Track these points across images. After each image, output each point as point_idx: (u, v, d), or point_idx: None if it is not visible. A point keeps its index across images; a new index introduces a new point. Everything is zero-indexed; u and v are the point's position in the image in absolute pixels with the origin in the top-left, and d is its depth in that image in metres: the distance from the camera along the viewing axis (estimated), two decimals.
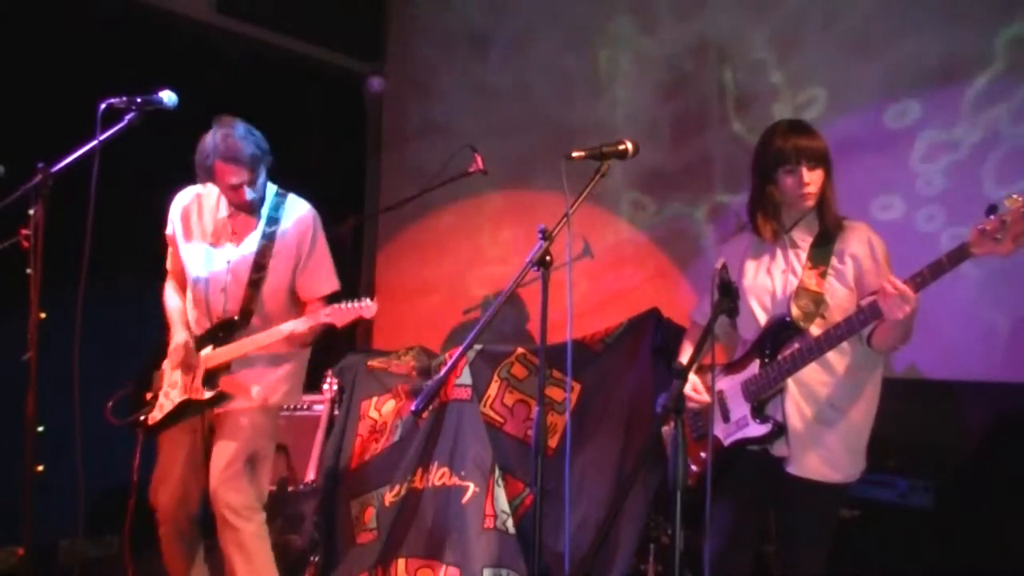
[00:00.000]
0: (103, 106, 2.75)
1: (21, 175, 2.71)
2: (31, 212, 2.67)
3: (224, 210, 3.43)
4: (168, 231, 3.51)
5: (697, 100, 4.78)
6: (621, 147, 2.62)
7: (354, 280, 5.70)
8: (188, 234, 3.44)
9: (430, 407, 3.84)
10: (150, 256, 3.66)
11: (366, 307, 3.30)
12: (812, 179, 2.79)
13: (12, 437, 2.71)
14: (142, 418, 3.40)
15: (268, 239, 3.40)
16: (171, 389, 3.38)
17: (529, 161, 5.23)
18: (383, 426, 4.04)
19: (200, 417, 3.39)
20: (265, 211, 3.43)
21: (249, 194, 3.32)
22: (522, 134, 5.31)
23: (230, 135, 3.23)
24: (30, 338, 2.67)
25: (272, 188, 3.47)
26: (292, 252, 3.42)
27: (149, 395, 3.44)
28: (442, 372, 3.10)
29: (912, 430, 3.62)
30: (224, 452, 3.34)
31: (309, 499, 3.90)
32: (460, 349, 2.74)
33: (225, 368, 3.36)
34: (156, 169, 4.42)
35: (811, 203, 2.83)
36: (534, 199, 5.18)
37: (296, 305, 3.48)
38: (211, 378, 3.34)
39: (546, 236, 2.48)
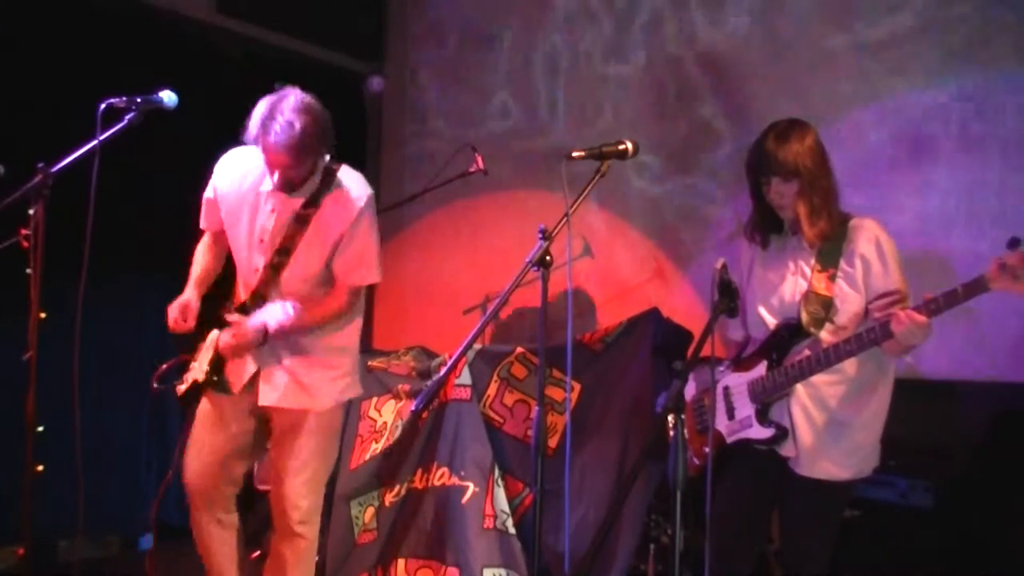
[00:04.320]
0: (103, 106, 2.73)
1: (21, 175, 2.71)
2: (31, 212, 2.65)
3: (268, 183, 3.05)
4: (208, 194, 3.21)
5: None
6: (621, 147, 2.62)
7: None
8: (232, 203, 3.14)
9: (430, 407, 3.84)
10: (150, 256, 3.66)
11: None
12: (781, 191, 2.75)
13: (12, 437, 2.71)
14: (178, 385, 3.20)
15: (300, 223, 3.05)
16: (194, 362, 3.17)
17: (529, 161, 5.23)
18: (383, 426, 4.04)
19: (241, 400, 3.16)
20: (308, 190, 3.05)
21: (285, 178, 2.97)
22: (522, 134, 5.30)
23: (279, 119, 2.88)
24: (30, 338, 2.66)
25: (323, 163, 3.07)
26: (327, 240, 3.08)
27: (189, 360, 3.22)
28: (442, 372, 3.10)
29: (912, 430, 3.61)
30: (298, 452, 3.15)
31: None
32: (460, 349, 2.74)
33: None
34: (156, 169, 4.43)
35: (786, 215, 2.80)
36: (534, 199, 5.17)
37: (327, 289, 3.15)
38: (218, 363, 3.12)
39: (546, 236, 2.48)
